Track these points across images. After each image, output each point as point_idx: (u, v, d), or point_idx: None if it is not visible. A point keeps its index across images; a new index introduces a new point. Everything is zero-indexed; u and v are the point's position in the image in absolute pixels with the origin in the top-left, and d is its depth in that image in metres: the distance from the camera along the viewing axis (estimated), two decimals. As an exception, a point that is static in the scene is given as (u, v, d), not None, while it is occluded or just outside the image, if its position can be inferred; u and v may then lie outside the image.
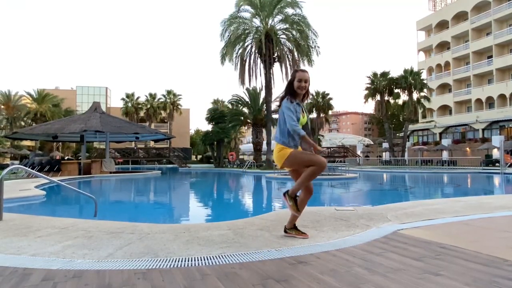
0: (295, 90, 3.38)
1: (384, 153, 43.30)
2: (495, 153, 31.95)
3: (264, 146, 31.55)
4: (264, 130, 31.54)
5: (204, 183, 19.70)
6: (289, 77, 3.53)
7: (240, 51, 27.69)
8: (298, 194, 3.43)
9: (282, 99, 3.47)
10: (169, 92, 51.68)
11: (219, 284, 2.23)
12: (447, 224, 4.11)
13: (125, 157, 41.26)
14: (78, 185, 14.64)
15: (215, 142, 35.07)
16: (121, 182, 18.38)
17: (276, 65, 27.81)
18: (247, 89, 32.82)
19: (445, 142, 40.46)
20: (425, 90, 36.83)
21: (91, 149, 43.06)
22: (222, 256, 2.87)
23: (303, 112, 3.43)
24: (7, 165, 27.61)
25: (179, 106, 52.65)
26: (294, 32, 26.47)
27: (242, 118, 34.53)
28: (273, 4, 26.03)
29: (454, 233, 3.64)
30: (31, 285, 2.24)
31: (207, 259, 2.77)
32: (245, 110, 35.17)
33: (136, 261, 2.75)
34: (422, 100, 36.73)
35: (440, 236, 3.43)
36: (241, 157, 48.29)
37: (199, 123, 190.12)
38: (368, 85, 37.74)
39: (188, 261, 2.74)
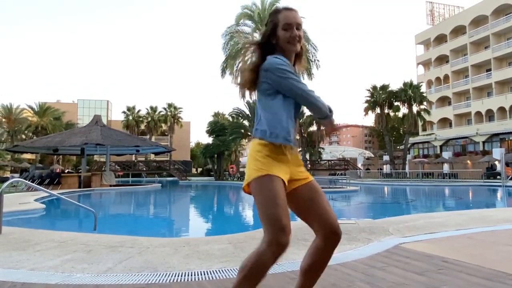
0: (284, 47, 1.74)
1: (384, 166, 43.18)
2: (496, 165, 31.87)
3: (265, 159, 31.50)
4: (264, 143, 31.52)
5: (205, 196, 19.62)
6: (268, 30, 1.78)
7: (240, 64, 27.91)
8: None
9: (260, 59, 1.73)
10: (170, 105, 51.98)
11: (220, 299, 2.20)
12: (449, 238, 4.08)
13: (125, 170, 41.18)
14: (78, 198, 14.59)
15: (216, 155, 35.07)
16: (121, 195, 18.32)
17: (277, 78, 27.89)
18: (248, 102, 32.99)
19: (446, 154, 40.40)
20: (424, 103, 36.98)
21: (92, 162, 43.02)
22: (222, 270, 2.84)
23: None
24: (7, 178, 27.56)
25: (180, 119, 52.87)
26: (294, 46, 26.72)
27: (243, 131, 34.60)
28: (273, 19, 26.37)
29: (456, 247, 3.61)
30: (29, 300, 2.22)
31: (207, 274, 2.74)
32: (246, 123, 35.27)
33: (135, 276, 2.72)
34: (422, 113, 36.84)
35: (442, 250, 3.40)
36: (241, 170, 48.20)
37: (199, 136, 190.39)
38: (368, 98, 37.90)
39: (188, 275, 2.71)
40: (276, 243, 1.53)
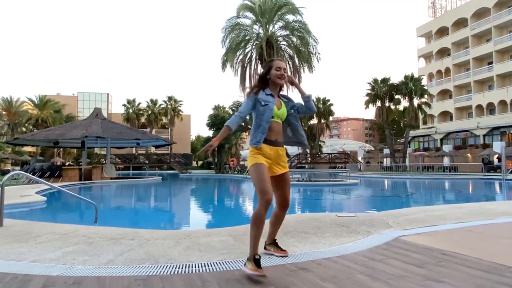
0: (274, 80, 2.92)
1: (385, 159, 43.23)
2: (496, 160, 31.87)
3: (265, 152, 31.53)
4: (265, 136, 31.51)
5: (205, 189, 19.68)
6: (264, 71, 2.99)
7: (240, 57, 27.74)
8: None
9: (252, 90, 2.93)
10: (170, 98, 51.87)
11: (220, 291, 2.21)
12: (449, 231, 4.09)
13: (126, 163, 41.24)
14: (79, 191, 14.63)
15: (216, 148, 35.05)
16: (122, 188, 18.37)
17: (277, 72, 27.77)
18: (248, 96, 32.85)
19: (446, 148, 40.39)
20: (425, 96, 36.87)
21: (92, 155, 43.06)
22: (223, 262, 2.86)
23: (280, 104, 2.97)
24: (8, 171, 27.62)
25: (180, 112, 52.79)
26: (294, 39, 26.51)
27: (243, 124, 34.60)
28: (273, 11, 26.15)
29: (456, 240, 3.62)
30: (31, 292, 2.23)
31: (208, 266, 2.76)
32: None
33: (136, 268, 2.74)
34: (423, 106, 36.76)
35: (442, 243, 3.42)
36: (242, 163, 48.27)
37: (200, 129, 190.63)
38: (369, 91, 37.81)
39: (189, 267, 2.73)
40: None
